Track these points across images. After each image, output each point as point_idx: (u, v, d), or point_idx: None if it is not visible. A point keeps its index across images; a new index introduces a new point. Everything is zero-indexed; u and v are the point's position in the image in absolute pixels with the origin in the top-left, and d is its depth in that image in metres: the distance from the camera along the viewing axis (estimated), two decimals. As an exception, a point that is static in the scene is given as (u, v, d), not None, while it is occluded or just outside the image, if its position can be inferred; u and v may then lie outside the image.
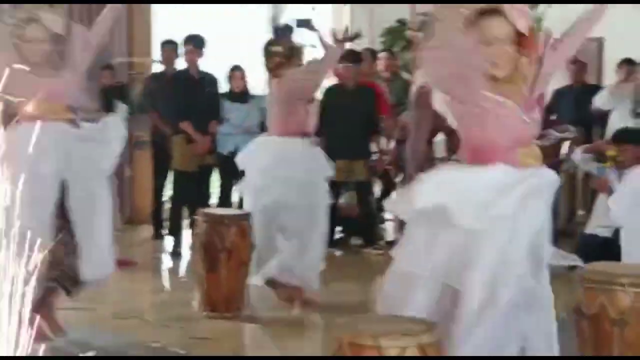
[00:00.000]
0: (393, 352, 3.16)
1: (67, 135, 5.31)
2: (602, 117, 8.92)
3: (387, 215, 9.35)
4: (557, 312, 3.88)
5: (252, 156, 6.62)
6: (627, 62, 8.95)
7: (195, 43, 8.41)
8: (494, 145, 3.65)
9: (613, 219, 5.74)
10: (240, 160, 6.72)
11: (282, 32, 7.95)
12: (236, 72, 8.72)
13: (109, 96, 8.34)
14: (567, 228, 8.36)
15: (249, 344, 6.06)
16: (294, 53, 6.68)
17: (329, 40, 6.80)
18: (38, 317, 4.62)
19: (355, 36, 7.17)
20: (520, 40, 3.57)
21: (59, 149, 5.22)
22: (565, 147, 8.59)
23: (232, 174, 8.46)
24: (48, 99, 5.01)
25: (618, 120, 8.49)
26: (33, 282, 2.76)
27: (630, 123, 8.10)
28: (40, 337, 4.64)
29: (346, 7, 12.06)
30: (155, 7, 10.27)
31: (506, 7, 3.56)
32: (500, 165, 3.59)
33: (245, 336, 6.18)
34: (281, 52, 6.65)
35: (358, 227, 8.42)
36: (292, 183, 6.29)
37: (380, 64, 9.61)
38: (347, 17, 11.95)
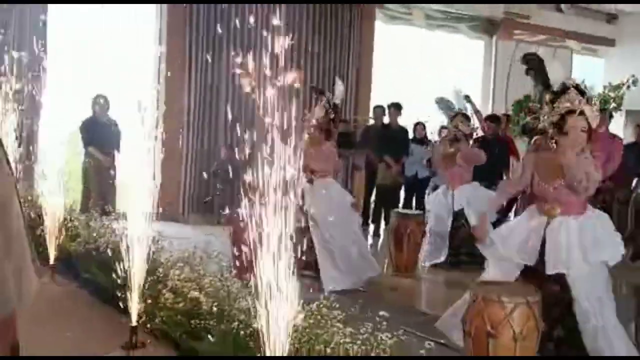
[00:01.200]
0: (509, 306, 3.35)
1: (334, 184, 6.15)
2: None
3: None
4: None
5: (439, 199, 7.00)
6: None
7: (395, 107, 9.01)
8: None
9: None
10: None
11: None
12: (418, 125, 9.28)
13: (342, 139, 8.78)
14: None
15: (418, 292, 6.34)
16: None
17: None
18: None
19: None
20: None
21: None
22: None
23: (413, 189, 9.24)
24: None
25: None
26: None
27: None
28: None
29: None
30: (375, 79, 10.69)
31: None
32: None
33: (416, 287, 6.40)
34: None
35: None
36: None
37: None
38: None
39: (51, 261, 5.38)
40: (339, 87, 6.39)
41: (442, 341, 3.88)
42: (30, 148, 6.40)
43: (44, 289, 4.82)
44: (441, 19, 11.30)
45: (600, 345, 3.68)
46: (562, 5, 11.94)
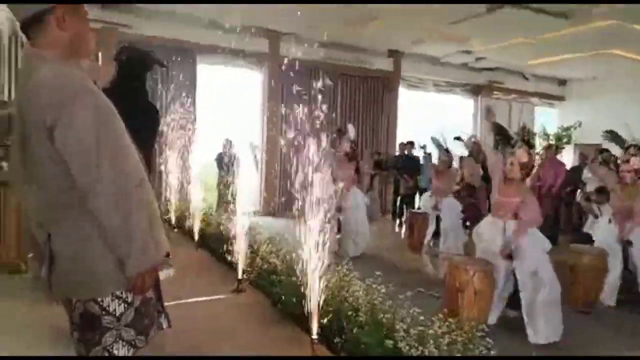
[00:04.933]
0: (471, 271, 3.36)
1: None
2: None
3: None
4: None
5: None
6: None
7: (410, 144, 8.84)
8: None
9: None
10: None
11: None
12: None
13: (377, 164, 9.02)
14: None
15: (415, 262, 6.04)
16: None
17: None
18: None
19: None
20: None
21: None
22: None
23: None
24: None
25: None
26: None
27: None
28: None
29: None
30: (398, 126, 10.51)
31: None
32: None
33: (417, 260, 6.10)
34: None
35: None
36: None
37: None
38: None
39: (195, 238, 5.56)
40: (351, 128, 6.25)
41: (420, 289, 3.86)
42: (186, 170, 6.46)
43: (192, 254, 5.17)
44: (444, 85, 11.16)
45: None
46: (527, 75, 11.54)
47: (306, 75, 8.00)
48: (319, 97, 3.01)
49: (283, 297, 3.33)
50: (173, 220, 6.49)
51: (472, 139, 6.77)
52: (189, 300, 3.54)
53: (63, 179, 1.41)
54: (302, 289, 2.79)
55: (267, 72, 9.09)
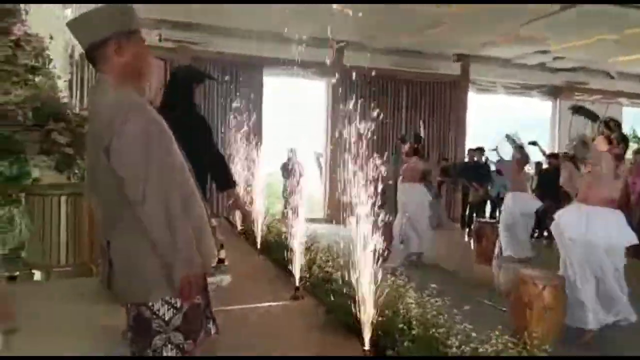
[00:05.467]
0: (540, 285, 3.21)
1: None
2: None
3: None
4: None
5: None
6: None
7: (480, 150, 8.49)
8: None
9: None
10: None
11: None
12: (498, 162, 8.01)
13: (444, 171, 8.86)
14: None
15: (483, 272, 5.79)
16: None
17: None
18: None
19: None
20: None
21: None
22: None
23: (496, 204, 8.56)
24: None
25: None
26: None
27: None
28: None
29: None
30: (467, 131, 10.25)
31: None
32: None
33: (483, 269, 5.50)
34: None
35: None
36: None
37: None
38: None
39: (258, 246, 5.63)
40: (421, 129, 6.33)
41: (486, 301, 3.66)
42: (251, 177, 6.56)
43: (253, 260, 5.17)
44: (517, 88, 10.56)
45: None
46: (613, 74, 10.58)
47: (370, 83, 8.02)
48: (384, 104, 3.01)
49: (336, 306, 3.27)
50: (238, 227, 6.64)
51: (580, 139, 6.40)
52: (245, 306, 3.57)
53: (116, 190, 1.52)
54: (355, 299, 2.71)
55: (331, 81, 9.14)
